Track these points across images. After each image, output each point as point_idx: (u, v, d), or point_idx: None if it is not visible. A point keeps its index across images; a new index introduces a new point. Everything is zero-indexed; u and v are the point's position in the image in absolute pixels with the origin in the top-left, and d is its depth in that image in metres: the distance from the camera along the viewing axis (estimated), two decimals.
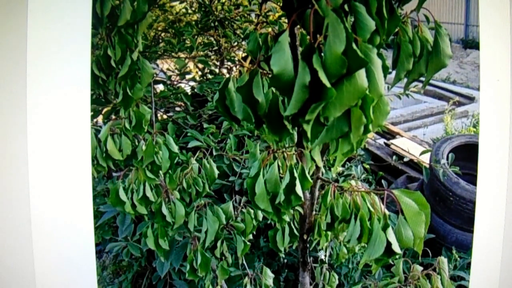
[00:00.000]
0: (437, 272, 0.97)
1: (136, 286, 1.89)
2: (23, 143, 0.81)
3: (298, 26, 0.59)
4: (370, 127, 0.55)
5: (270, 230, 1.04)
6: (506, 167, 0.83)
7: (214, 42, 2.12)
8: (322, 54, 0.50)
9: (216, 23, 2.02)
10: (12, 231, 0.84)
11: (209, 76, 2.11)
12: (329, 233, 1.02)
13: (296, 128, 0.78)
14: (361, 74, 0.50)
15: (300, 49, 0.59)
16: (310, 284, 1.13)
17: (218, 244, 1.14)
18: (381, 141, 2.85)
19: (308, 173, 0.80)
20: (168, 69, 2.09)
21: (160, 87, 1.91)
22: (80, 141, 0.82)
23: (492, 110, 0.83)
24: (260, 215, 1.18)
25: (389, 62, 0.63)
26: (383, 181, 2.18)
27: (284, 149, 0.81)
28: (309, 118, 0.52)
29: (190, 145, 1.56)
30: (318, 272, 1.21)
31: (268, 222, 1.38)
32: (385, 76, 0.58)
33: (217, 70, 2.17)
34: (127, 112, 1.02)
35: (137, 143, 1.06)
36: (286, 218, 0.98)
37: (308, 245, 1.06)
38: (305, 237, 1.03)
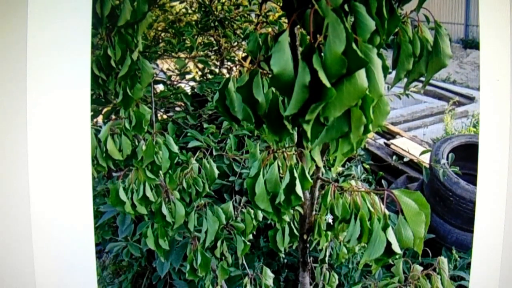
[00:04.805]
0: (437, 272, 0.97)
1: (136, 286, 1.88)
2: (23, 143, 0.81)
3: (298, 26, 0.59)
4: (370, 127, 0.55)
5: (270, 230, 1.04)
6: (506, 167, 0.83)
7: (214, 42, 2.12)
8: (322, 54, 0.50)
9: (216, 23, 2.02)
10: (12, 231, 0.84)
11: (209, 76, 2.11)
12: (329, 233, 1.02)
13: (296, 128, 0.77)
14: (361, 74, 0.50)
15: (300, 49, 0.59)
16: (310, 284, 1.13)
17: (218, 244, 1.14)
18: (381, 141, 2.85)
19: (308, 173, 0.80)
20: (168, 69, 2.08)
21: (160, 87, 1.91)
22: (80, 141, 0.82)
23: (492, 110, 0.83)
24: (260, 215, 1.18)
25: (389, 62, 0.63)
26: (383, 181, 2.17)
27: (284, 149, 0.81)
28: (309, 118, 0.52)
29: (190, 145, 1.56)
30: (318, 272, 1.21)
31: (268, 222, 1.38)
32: (385, 76, 0.58)
33: (217, 70, 2.17)
34: (127, 112, 1.02)
35: (137, 143, 1.06)
36: (286, 218, 0.98)
37: (308, 245, 1.06)
38: (305, 237, 1.03)
